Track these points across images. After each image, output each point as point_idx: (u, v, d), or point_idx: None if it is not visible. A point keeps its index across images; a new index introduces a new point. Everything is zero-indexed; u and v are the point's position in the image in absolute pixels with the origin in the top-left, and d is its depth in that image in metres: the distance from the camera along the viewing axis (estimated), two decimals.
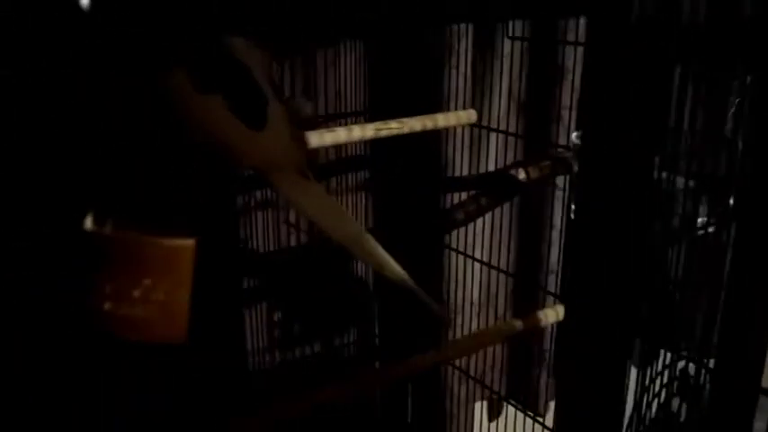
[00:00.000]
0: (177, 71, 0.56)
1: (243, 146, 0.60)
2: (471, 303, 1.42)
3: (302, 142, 0.66)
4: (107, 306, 0.49)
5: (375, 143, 1.35)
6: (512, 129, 1.25)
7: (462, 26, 1.24)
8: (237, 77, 0.60)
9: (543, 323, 1.09)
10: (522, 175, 0.95)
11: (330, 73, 1.24)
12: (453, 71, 1.26)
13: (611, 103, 0.66)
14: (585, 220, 0.67)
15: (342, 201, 1.32)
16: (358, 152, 1.33)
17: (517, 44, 1.21)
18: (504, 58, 1.24)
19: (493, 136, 1.25)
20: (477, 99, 1.24)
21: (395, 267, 0.70)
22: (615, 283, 0.66)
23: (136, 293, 0.50)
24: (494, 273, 1.33)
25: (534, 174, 0.95)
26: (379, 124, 1.04)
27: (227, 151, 0.60)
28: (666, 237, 0.74)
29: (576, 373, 0.75)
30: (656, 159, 0.71)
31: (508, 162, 1.23)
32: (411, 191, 1.18)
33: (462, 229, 1.28)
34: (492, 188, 0.99)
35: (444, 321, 1.10)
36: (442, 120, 1.13)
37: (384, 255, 0.70)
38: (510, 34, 1.18)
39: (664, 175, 0.76)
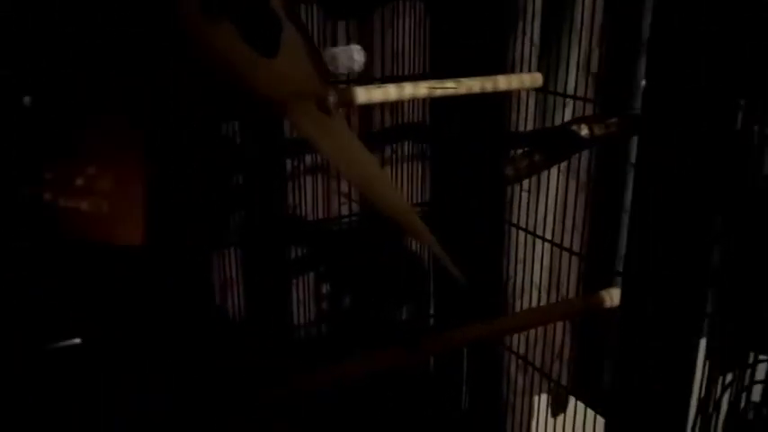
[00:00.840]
0: None
1: (254, 73, 0.56)
2: (536, 285, 1.32)
3: (324, 73, 0.61)
4: (47, 196, 0.46)
5: (435, 111, 1.28)
6: (586, 96, 1.14)
7: None
8: (246, 1, 0.56)
9: (608, 304, 0.99)
10: (584, 131, 0.85)
11: (388, 34, 1.18)
12: (520, 35, 1.17)
13: (684, 35, 0.56)
14: (647, 180, 0.58)
15: (399, 170, 1.25)
16: (417, 120, 1.26)
17: (590, 2, 1.10)
18: (577, 18, 1.14)
19: (566, 105, 1.15)
20: (545, 64, 1.14)
21: (418, 224, 0.65)
22: (681, 258, 0.57)
23: (79, 181, 0.46)
24: (562, 254, 1.23)
25: (599, 131, 0.85)
26: (433, 83, 0.97)
27: (238, 79, 0.56)
28: (752, 201, 0.64)
29: (630, 364, 0.65)
30: (742, 103, 0.60)
31: None
32: (470, 154, 1.10)
33: (529, 208, 1.19)
34: (549, 144, 0.90)
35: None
36: (503, 82, 1.04)
37: (406, 206, 0.65)
38: None
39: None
